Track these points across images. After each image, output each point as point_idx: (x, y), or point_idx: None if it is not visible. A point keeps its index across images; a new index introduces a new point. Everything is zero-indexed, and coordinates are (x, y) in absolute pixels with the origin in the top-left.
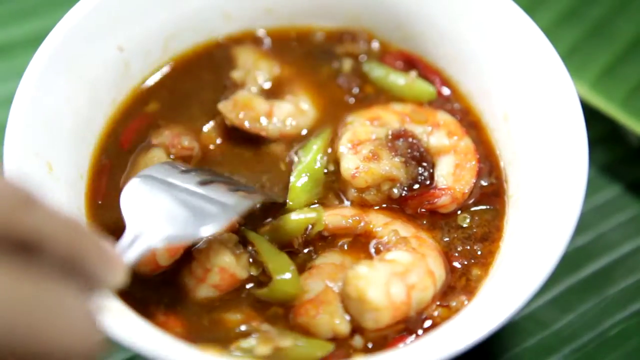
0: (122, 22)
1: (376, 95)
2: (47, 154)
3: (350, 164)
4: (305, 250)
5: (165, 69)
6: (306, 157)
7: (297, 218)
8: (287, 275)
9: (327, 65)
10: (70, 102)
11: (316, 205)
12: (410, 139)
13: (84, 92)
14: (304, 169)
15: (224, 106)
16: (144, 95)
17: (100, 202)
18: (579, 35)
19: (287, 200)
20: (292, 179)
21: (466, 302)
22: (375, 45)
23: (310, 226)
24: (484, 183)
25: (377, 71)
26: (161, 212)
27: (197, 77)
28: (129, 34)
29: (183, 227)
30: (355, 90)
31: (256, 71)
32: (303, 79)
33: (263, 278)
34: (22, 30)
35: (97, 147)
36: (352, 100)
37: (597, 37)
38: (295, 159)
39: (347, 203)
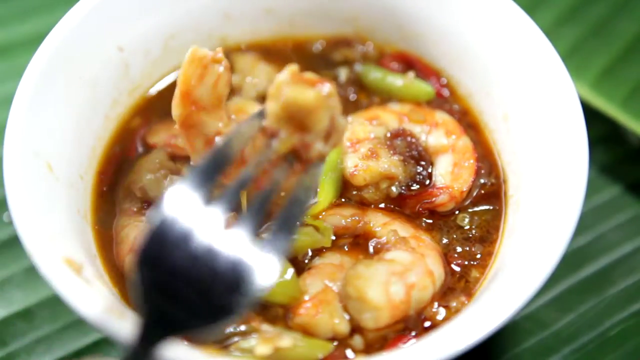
0: (122, 22)
1: (375, 98)
2: (47, 154)
3: (349, 162)
4: None
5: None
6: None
7: (306, 240)
8: (286, 278)
9: (324, 71)
10: (70, 102)
11: (326, 224)
12: (408, 138)
13: (84, 92)
14: (328, 168)
15: None
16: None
17: (105, 189)
18: (579, 35)
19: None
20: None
21: (466, 303)
22: (370, 49)
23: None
24: (483, 182)
25: (374, 74)
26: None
27: None
28: (129, 34)
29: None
30: (353, 96)
31: (253, 77)
32: None
33: None
34: (22, 30)
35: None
36: (351, 100)
37: (597, 37)
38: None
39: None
